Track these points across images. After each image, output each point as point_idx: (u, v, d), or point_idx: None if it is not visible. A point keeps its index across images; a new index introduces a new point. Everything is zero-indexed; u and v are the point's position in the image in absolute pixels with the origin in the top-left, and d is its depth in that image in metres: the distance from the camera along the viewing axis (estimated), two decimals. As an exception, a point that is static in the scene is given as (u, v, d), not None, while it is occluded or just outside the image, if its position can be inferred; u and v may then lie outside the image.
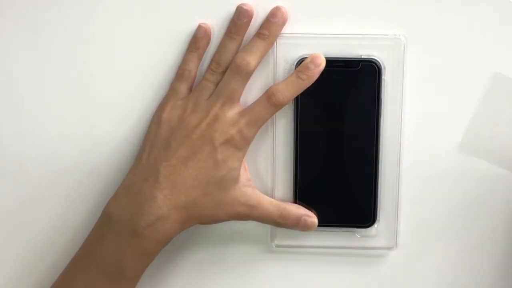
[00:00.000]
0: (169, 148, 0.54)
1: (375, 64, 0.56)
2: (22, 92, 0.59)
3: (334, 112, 0.57)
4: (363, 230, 0.59)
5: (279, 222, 0.56)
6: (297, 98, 0.56)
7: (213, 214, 0.55)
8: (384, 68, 0.56)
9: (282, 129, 0.58)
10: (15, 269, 0.62)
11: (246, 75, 0.54)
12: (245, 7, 0.55)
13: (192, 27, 0.56)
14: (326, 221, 0.58)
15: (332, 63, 0.56)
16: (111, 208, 0.55)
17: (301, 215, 0.57)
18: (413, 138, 0.57)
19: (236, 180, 0.55)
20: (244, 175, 0.56)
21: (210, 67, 0.56)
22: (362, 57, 0.56)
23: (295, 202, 0.58)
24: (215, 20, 0.56)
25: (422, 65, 0.56)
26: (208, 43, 0.56)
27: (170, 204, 0.53)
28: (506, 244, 0.59)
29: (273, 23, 0.55)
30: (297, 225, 0.57)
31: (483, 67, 0.56)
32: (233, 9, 0.55)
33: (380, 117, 0.56)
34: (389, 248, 0.59)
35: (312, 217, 0.57)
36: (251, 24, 0.55)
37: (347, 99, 0.56)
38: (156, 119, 0.56)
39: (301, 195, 0.58)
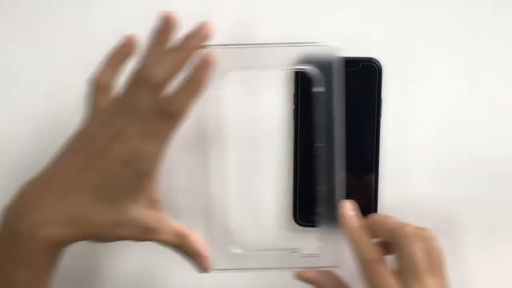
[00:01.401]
0: (70, 156, 0.51)
1: (375, 64, 0.56)
2: (22, 91, 0.58)
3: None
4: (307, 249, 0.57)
5: (177, 251, 0.53)
6: (297, 98, 0.56)
7: (103, 233, 0.50)
8: (322, 79, 0.54)
9: (282, 129, 0.58)
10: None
11: (152, 86, 0.49)
12: (166, 14, 0.49)
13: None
14: (326, 221, 0.58)
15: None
16: (8, 207, 0.50)
17: (197, 254, 0.52)
18: (414, 138, 0.58)
19: (132, 200, 0.50)
20: (148, 196, 0.52)
21: (131, 78, 0.50)
22: (362, 57, 0.56)
23: (295, 201, 0.58)
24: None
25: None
26: (128, 55, 0.52)
27: (56, 214, 0.49)
28: (507, 243, 0.59)
29: (191, 36, 0.50)
30: (190, 260, 0.53)
31: (481, 66, 0.56)
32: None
33: (380, 117, 0.56)
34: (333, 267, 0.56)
35: (205, 262, 0.53)
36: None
37: (347, 99, 0.56)
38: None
39: (301, 195, 0.58)
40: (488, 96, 0.57)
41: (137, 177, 0.50)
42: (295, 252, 0.58)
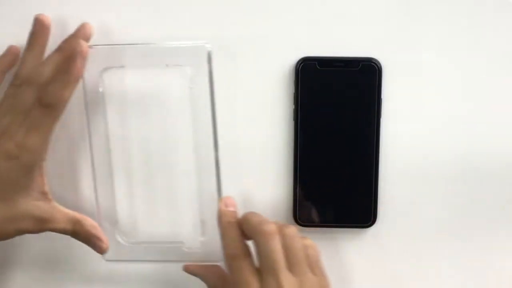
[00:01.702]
0: None
1: (375, 64, 0.56)
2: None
3: (334, 112, 0.57)
4: (191, 242, 0.58)
5: (74, 236, 0.55)
6: (297, 98, 0.56)
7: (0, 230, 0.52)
8: (193, 77, 0.55)
9: (282, 128, 0.58)
10: (13, 267, 0.62)
11: (38, 86, 0.52)
12: (38, 16, 0.54)
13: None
14: (326, 221, 0.58)
15: (332, 63, 0.56)
16: None
17: (92, 236, 0.55)
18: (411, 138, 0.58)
19: (23, 193, 0.52)
20: (38, 188, 0.54)
21: (11, 81, 0.53)
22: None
23: (295, 201, 0.58)
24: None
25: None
26: (11, 63, 0.55)
27: None
28: (508, 243, 0.59)
29: (72, 37, 0.54)
30: (88, 243, 0.56)
31: (482, 66, 0.57)
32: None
33: (380, 117, 0.56)
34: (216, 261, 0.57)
35: (101, 243, 0.56)
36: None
37: (347, 99, 0.56)
38: None
39: (302, 195, 0.58)
40: (488, 96, 0.57)
41: (24, 170, 0.52)
42: (178, 245, 0.58)
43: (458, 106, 0.57)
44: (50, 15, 0.54)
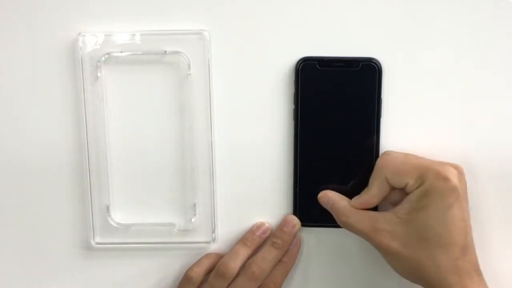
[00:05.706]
0: None
1: (375, 64, 0.56)
2: (22, 92, 0.59)
3: (334, 112, 0.57)
4: (182, 224, 0.59)
5: None
6: (297, 98, 0.56)
7: None
8: (189, 64, 0.56)
9: (282, 128, 0.58)
10: (14, 269, 0.62)
11: (260, 281, 0.57)
12: (266, 224, 0.59)
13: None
14: (326, 221, 0.58)
15: (332, 63, 0.56)
16: None
17: None
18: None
19: None
20: None
21: (218, 271, 0.57)
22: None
23: (295, 201, 0.58)
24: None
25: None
26: None
27: None
28: (508, 243, 0.59)
29: (285, 232, 0.58)
30: None
31: (481, 66, 0.57)
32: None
33: (380, 117, 0.56)
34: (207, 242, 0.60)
35: None
36: None
37: (347, 99, 0.56)
38: None
39: (302, 195, 0.58)
40: (488, 96, 0.57)
41: None
42: (170, 226, 0.59)
43: (458, 106, 0.57)
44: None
